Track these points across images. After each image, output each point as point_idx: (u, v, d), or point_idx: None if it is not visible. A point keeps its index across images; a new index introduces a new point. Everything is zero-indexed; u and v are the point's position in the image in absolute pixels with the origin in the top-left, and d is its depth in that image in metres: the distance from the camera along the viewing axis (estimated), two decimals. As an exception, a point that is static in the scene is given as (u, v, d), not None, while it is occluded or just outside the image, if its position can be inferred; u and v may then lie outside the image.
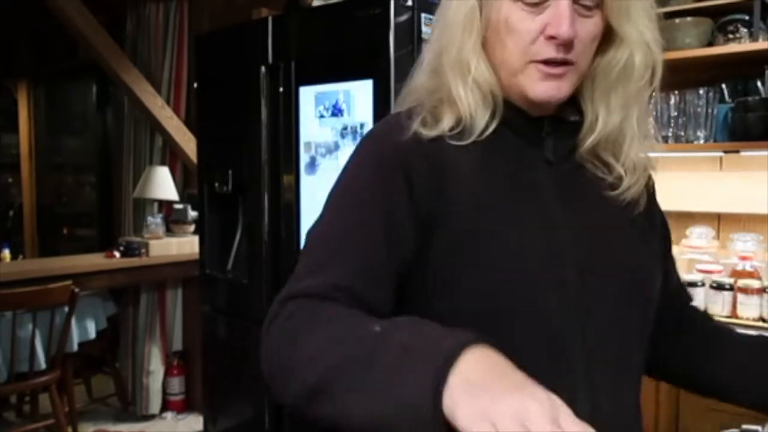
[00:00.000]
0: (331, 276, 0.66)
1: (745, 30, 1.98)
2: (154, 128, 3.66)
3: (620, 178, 0.80)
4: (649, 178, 0.88)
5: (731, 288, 1.92)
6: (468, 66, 0.77)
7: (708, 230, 2.12)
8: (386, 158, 0.76)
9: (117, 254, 3.39)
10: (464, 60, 0.77)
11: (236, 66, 2.40)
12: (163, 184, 3.49)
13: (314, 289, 0.65)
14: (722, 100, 2.06)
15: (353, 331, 0.58)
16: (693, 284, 1.98)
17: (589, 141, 0.80)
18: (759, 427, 0.97)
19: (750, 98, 1.96)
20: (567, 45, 0.72)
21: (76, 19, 3.26)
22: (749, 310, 1.87)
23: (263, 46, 2.24)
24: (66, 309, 2.92)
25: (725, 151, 2.09)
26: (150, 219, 3.50)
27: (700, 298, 1.97)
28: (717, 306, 1.94)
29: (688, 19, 2.04)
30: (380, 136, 0.81)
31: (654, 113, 2.13)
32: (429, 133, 0.77)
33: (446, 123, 0.78)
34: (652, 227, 0.86)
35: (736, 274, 1.97)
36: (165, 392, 3.63)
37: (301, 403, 0.59)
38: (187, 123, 3.56)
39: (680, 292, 0.96)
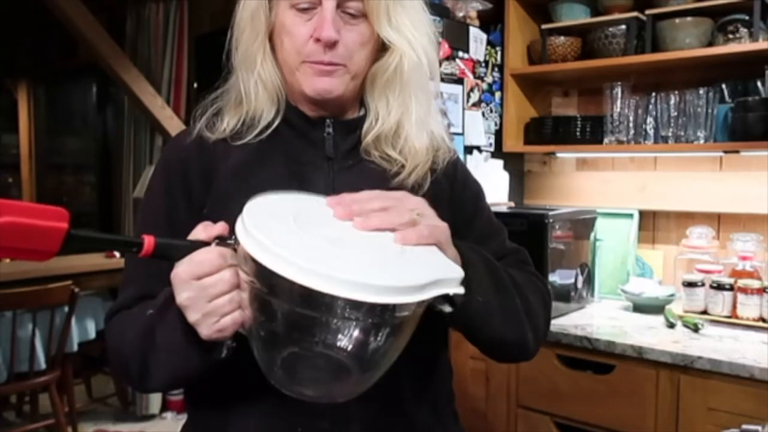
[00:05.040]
0: (133, 289, 0.86)
1: (745, 30, 1.98)
2: (154, 128, 3.66)
3: (403, 166, 0.90)
4: (452, 161, 0.96)
5: (731, 288, 1.92)
6: (254, 62, 0.87)
7: (708, 230, 2.12)
8: (169, 163, 0.90)
9: (117, 254, 3.39)
10: (250, 57, 0.87)
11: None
12: (163, 184, 3.49)
13: (124, 303, 0.86)
14: (722, 100, 2.06)
15: (142, 324, 0.79)
16: (693, 284, 1.98)
17: (370, 136, 0.90)
18: (759, 428, 0.97)
19: (750, 98, 1.96)
20: (331, 47, 0.82)
21: (76, 19, 3.26)
22: (749, 310, 1.87)
23: (263, 46, 2.24)
24: (66, 309, 2.92)
25: (725, 151, 2.09)
26: (150, 219, 3.49)
27: (700, 298, 1.97)
28: (717, 306, 1.93)
29: (688, 19, 2.04)
30: (171, 142, 0.98)
31: (654, 113, 2.14)
32: (211, 135, 0.89)
33: (228, 124, 0.89)
34: (445, 203, 0.92)
35: (736, 274, 1.96)
36: (165, 392, 3.63)
37: (142, 378, 0.81)
38: (187, 123, 3.55)
39: (504, 257, 0.96)
